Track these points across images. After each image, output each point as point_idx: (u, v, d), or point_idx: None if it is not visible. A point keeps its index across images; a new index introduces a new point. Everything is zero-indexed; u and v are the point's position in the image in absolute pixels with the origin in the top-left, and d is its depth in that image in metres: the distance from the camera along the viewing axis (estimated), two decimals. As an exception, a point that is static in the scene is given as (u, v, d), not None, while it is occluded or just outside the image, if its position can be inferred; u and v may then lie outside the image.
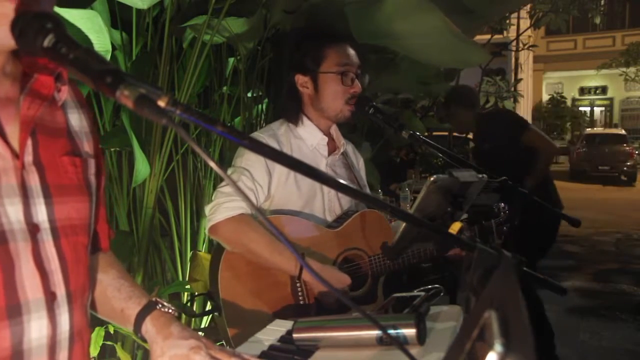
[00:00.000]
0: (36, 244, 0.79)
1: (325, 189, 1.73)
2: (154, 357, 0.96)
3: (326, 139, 1.77)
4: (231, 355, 0.95)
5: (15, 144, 0.78)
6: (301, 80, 1.71)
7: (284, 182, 1.66)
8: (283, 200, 1.67)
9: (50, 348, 0.80)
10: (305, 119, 1.75)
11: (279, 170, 1.65)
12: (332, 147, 1.80)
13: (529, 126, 3.63)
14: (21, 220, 0.77)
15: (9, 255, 0.75)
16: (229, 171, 1.68)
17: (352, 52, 1.72)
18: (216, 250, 1.65)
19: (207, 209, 1.61)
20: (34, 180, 0.80)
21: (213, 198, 1.62)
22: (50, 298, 0.80)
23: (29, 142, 0.80)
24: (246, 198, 0.60)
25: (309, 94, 1.72)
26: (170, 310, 1.00)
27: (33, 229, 0.78)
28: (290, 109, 1.75)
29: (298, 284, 1.62)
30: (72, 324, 0.84)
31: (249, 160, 1.64)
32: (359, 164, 1.94)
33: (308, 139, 1.75)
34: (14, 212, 0.76)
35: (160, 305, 1.00)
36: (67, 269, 0.83)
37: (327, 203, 1.73)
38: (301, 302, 1.62)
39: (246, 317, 1.58)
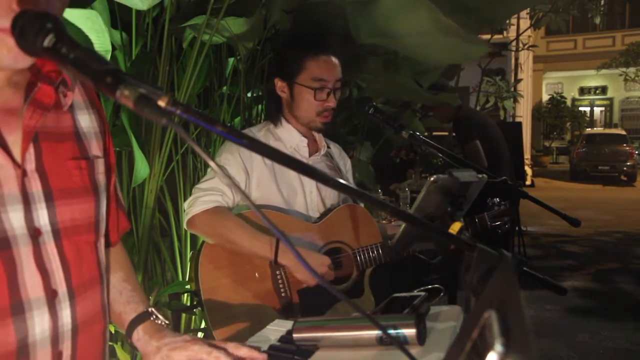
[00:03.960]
0: (37, 247, 0.82)
1: (307, 190, 1.75)
2: (149, 356, 1.00)
3: (306, 140, 1.79)
4: (231, 346, 0.97)
5: (17, 152, 0.81)
6: (279, 84, 1.75)
7: (264, 183, 1.68)
8: (263, 199, 1.69)
9: (53, 339, 0.83)
10: (284, 120, 1.78)
11: (259, 170, 1.68)
12: (313, 149, 1.82)
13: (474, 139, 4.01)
14: (23, 225, 0.80)
15: (12, 260, 0.78)
16: (208, 170, 1.74)
17: (333, 65, 1.72)
18: (198, 249, 1.68)
19: (186, 204, 1.65)
20: (35, 187, 0.82)
21: (192, 194, 1.67)
22: (51, 296, 0.83)
23: (32, 150, 0.82)
24: (239, 189, 0.63)
25: (285, 99, 1.76)
26: (163, 323, 1.05)
27: (35, 232, 0.81)
28: (271, 110, 1.80)
29: (278, 275, 1.63)
30: (75, 317, 0.87)
31: (226, 159, 1.68)
32: (346, 165, 1.95)
33: (287, 141, 1.77)
34: (16, 219, 0.79)
35: (154, 317, 1.05)
36: (69, 268, 0.86)
37: (309, 203, 1.75)
38: (282, 294, 1.63)
39: (227, 311, 1.59)
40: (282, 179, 1.70)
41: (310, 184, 1.74)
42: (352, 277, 1.71)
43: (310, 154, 1.80)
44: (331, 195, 1.79)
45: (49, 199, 0.83)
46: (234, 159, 1.67)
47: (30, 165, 0.82)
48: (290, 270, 1.61)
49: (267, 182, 1.68)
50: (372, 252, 1.70)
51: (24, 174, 0.81)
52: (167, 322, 1.05)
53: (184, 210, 1.66)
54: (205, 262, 1.61)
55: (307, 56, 1.70)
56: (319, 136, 1.85)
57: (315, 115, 1.72)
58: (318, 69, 1.70)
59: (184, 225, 1.67)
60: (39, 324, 0.81)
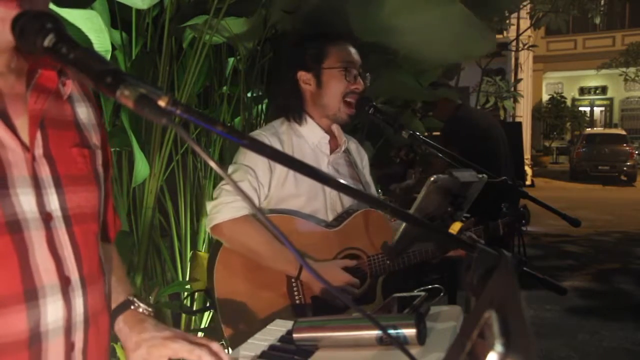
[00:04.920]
0: (50, 232, 0.81)
1: (327, 188, 1.72)
2: (128, 352, 0.98)
3: (327, 137, 1.77)
4: (210, 342, 0.95)
5: (25, 137, 0.81)
6: (304, 77, 1.72)
7: (283, 180, 1.66)
8: (282, 198, 1.67)
9: (66, 330, 0.83)
10: (307, 116, 1.75)
11: (280, 168, 1.65)
12: (334, 145, 1.80)
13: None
14: (34, 209, 0.79)
15: (24, 243, 0.78)
16: (231, 169, 1.68)
17: (353, 50, 1.74)
18: (214, 247, 1.66)
19: (210, 206, 1.61)
20: (44, 172, 0.82)
21: (216, 195, 1.61)
22: (64, 283, 0.82)
23: (39, 135, 0.83)
24: (247, 198, 0.60)
25: (310, 91, 1.73)
26: (145, 311, 1.02)
27: (47, 217, 0.81)
28: (292, 107, 1.75)
29: (294, 283, 1.62)
30: (87, 307, 0.87)
31: (252, 158, 1.64)
32: (363, 161, 1.94)
33: (309, 138, 1.75)
34: (28, 202, 0.79)
35: (135, 305, 1.03)
36: (80, 255, 0.86)
37: (329, 201, 1.73)
38: (297, 302, 1.62)
39: (241, 314, 1.58)
40: (302, 177, 1.66)
41: None
42: (365, 284, 1.70)
43: (332, 151, 1.78)
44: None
45: (58, 184, 0.83)
46: (260, 157, 1.61)
47: (39, 151, 0.82)
48: (309, 285, 1.61)
49: (287, 179, 1.66)
50: (386, 260, 1.70)
51: (33, 158, 0.81)
52: (149, 309, 1.03)
53: (207, 212, 1.62)
54: (220, 268, 1.60)
55: (329, 43, 1.71)
56: (338, 132, 1.82)
57: (342, 101, 1.69)
58: (342, 52, 1.71)
59: (207, 229, 1.63)
60: (52, 312, 0.80)
